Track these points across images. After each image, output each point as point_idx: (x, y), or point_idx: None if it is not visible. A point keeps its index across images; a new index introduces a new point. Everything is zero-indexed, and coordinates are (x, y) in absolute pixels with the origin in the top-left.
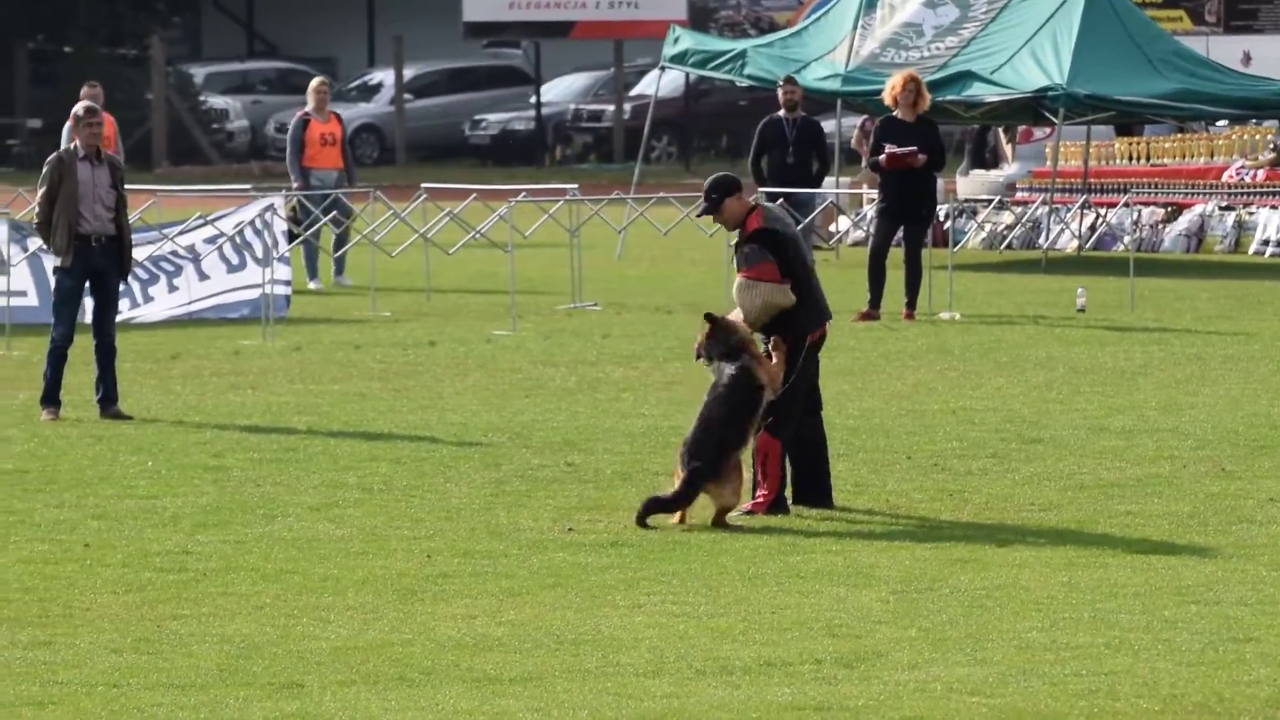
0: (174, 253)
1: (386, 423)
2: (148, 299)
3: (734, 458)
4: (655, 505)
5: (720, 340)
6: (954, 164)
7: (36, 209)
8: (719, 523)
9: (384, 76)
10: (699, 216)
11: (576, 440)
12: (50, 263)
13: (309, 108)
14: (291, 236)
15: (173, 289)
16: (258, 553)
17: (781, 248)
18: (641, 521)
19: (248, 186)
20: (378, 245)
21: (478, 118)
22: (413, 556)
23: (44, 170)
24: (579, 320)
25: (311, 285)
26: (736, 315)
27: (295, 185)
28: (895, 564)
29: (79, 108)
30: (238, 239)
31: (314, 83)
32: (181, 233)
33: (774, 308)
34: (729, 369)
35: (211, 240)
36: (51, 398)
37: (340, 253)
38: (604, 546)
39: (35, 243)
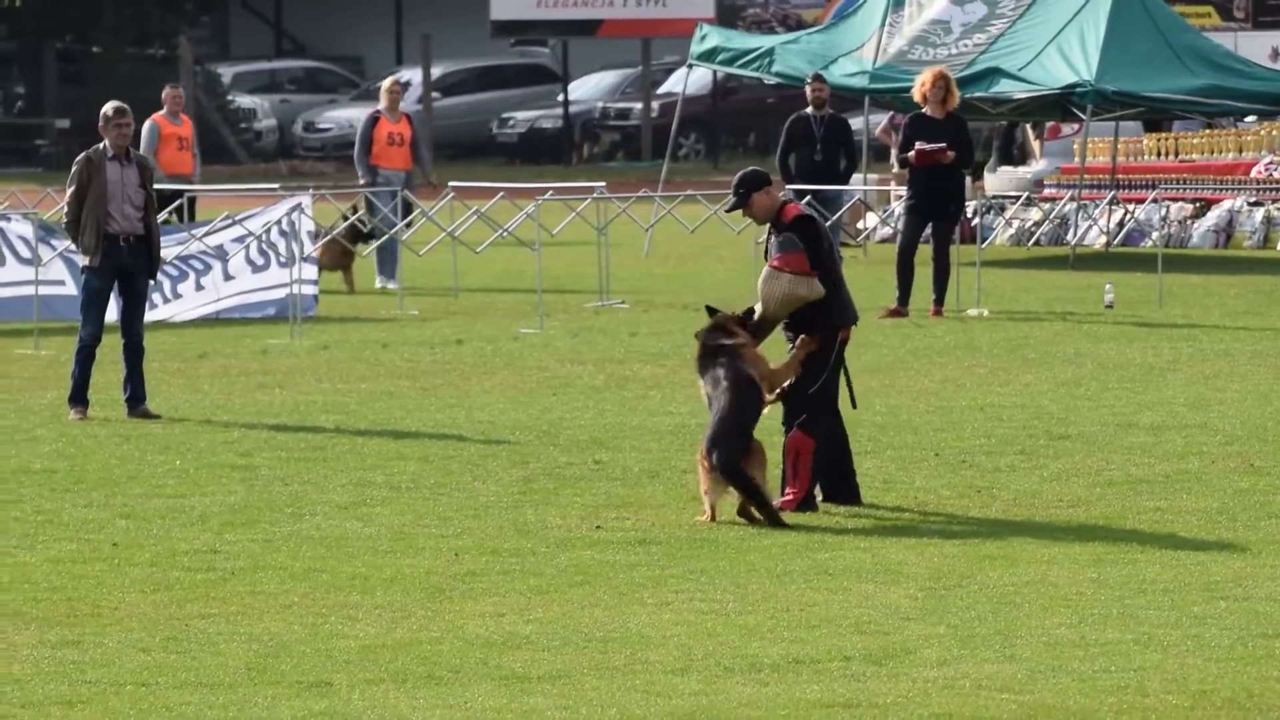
0: (202, 252)
1: (414, 421)
2: (176, 296)
3: (755, 442)
4: (752, 495)
5: (715, 336)
6: (982, 161)
7: (66, 208)
8: (746, 512)
9: (412, 75)
10: (728, 212)
11: (604, 438)
12: (77, 263)
13: (381, 106)
14: (354, 232)
15: (200, 288)
16: (286, 551)
17: (818, 237)
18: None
19: (275, 186)
20: (405, 244)
21: (505, 116)
22: (440, 555)
23: (73, 170)
24: (606, 318)
25: (390, 285)
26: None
27: (362, 182)
28: (923, 560)
29: (109, 107)
30: (264, 239)
31: (387, 82)
32: (209, 233)
33: (795, 299)
34: (721, 370)
35: (240, 240)
36: (79, 397)
37: (371, 249)
38: (632, 544)
39: (63, 243)
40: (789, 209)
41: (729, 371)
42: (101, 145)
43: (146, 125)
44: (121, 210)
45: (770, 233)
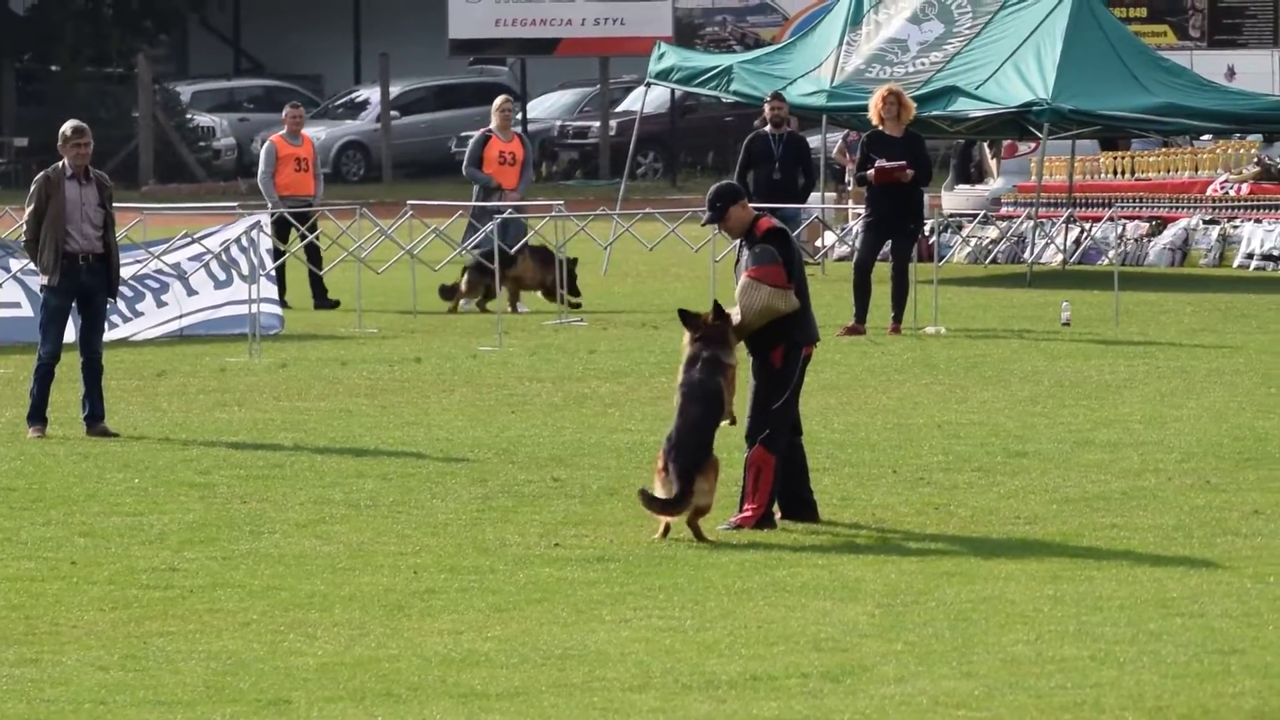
0: (159, 271)
1: (373, 439)
2: (137, 314)
3: (713, 457)
4: (655, 504)
5: (711, 347)
6: (940, 179)
7: (25, 227)
8: (694, 524)
9: (370, 94)
10: (703, 225)
11: (563, 455)
12: (35, 281)
13: (492, 125)
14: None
15: (161, 304)
16: (244, 569)
17: (791, 250)
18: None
19: (234, 204)
20: (364, 262)
21: (464, 134)
22: (399, 572)
23: (32, 188)
24: (565, 336)
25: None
26: (735, 314)
27: (478, 197)
28: (881, 577)
29: (67, 127)
30: (224, 256)
31: (498, 101)
32: (166, 251)
33: (773, 312)
34: (702, 372)
35: (197, 259)
36: (38, 415)
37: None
38: (590, 561)
39: (19, 261)
40: (762, 222)
41: (708, 381)
42: (60, 164)
43: (265, 146)
44: (80, 229)
45: (741, 246)
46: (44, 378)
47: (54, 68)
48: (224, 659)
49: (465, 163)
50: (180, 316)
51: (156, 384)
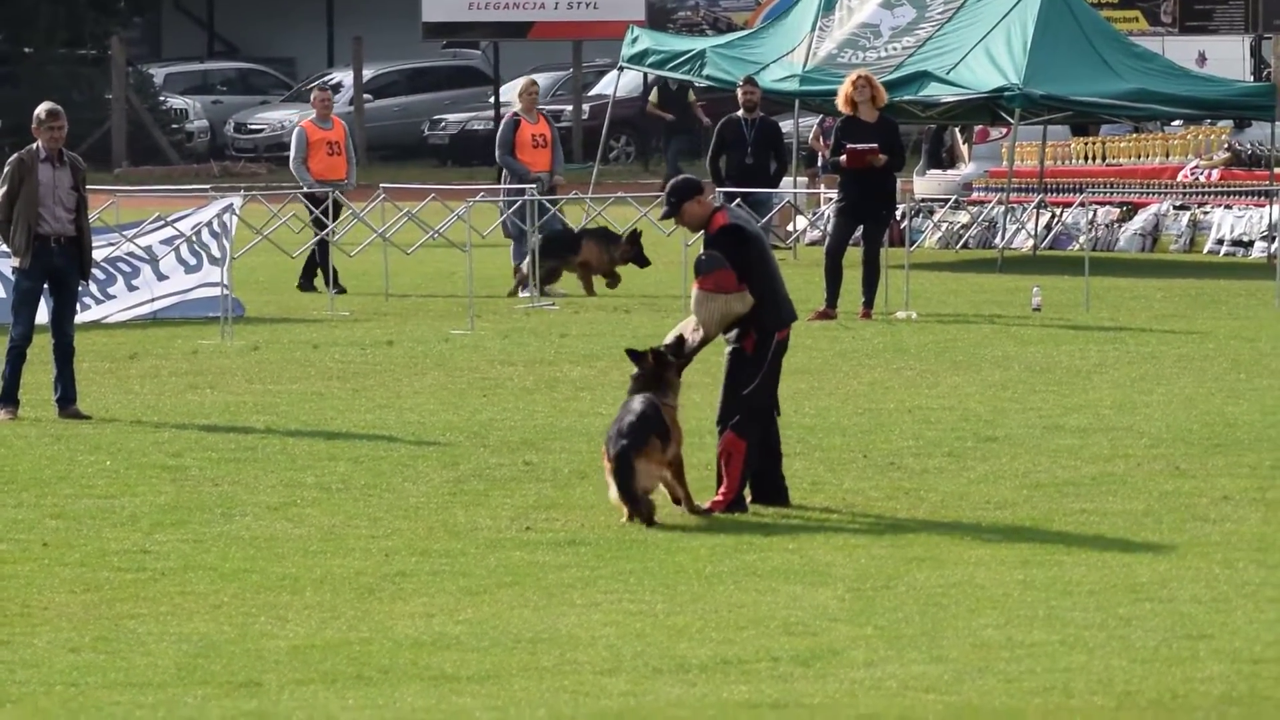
0: (130, 254)
1: (344, 422)
2: (108, 298)
3: (656, 444)
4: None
5: (651, 374)
6: (911, 164)
7: None
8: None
9: (343, 77)
10: (661, 220)
11: (534, 439)
12: (7, 263)
13: (518, 109)
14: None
15: (132, 289)
16: (215, 552)
17: (745, 246)
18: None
19: (207, 187)
20: (336, 245)
21: (437, 118)
22: (371, 555)
23: (5, 170)
24: (537, 320)
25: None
26: (689, 323)
27: (510, 183)
28: (851, 562)
29: (41, 109)
30: (194, 240)
31: (523, 83)
32: (139, 234)
33: (732, 316)
34: (640, 401)
35: (168, 241)
36: (10, 397)
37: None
38: (561, 545)
39: None
40: (715, 218)
41: (648, 402)
42: (34, 146)
43: (295, 132)
44: (53, 212)
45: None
46: (15, 360)
47: (27, 49)
48: (195, 641)
49: (498, 150)
50: (152, 300)
51: (128, 366)
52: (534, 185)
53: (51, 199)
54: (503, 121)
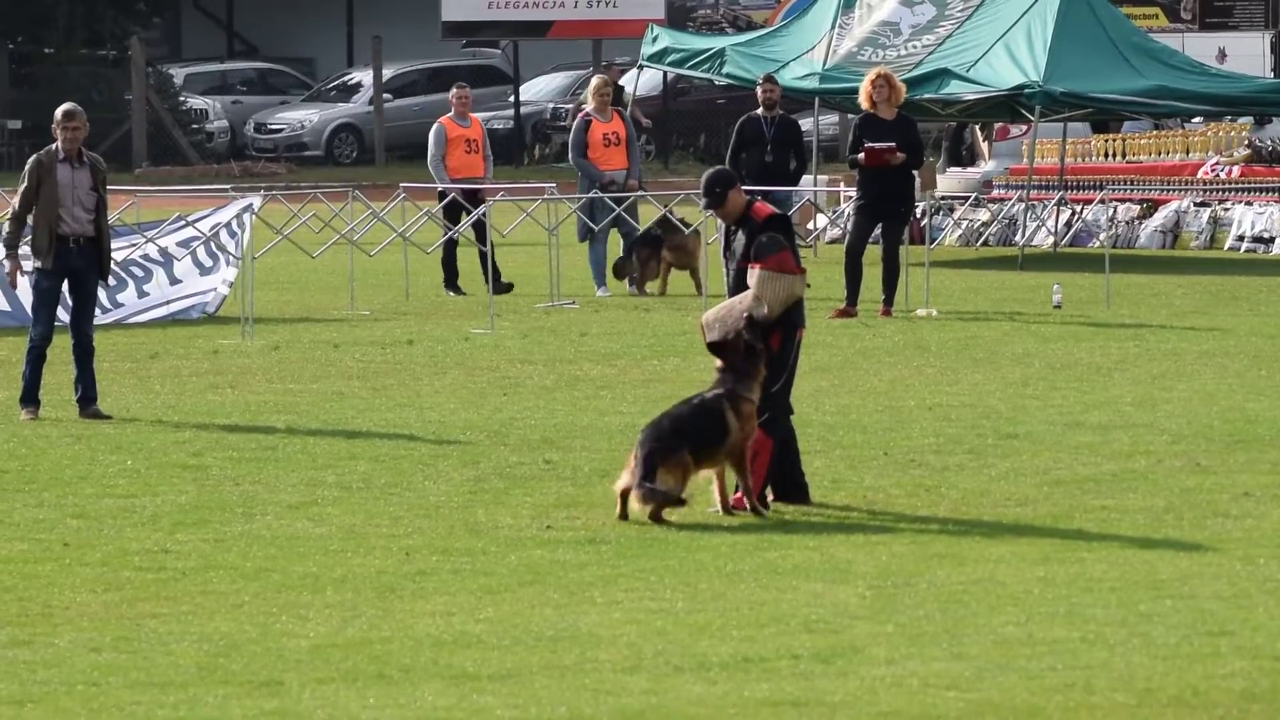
0: (146, 256)
1: (365, 421)
2: (116, 306)
3: (685, 456)
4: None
5: (743, 356)
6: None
7: (14, 208)
8: (656, 517)
9: (363, 76)
10: (703, 210)
11: (554, 438)
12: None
13: (589, 108)
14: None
15: (142, 294)
16: (236, 551)
17: (792, 235)
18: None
19: (227, 187)
20: (356, 244)
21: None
22: (391, 554)
23: (24, 170)
24: (557, 318)
25: (600, 294)
26: (730, 305)
27: (580, 189)
28: (872, 559)
29: (60, 110)
30: (213, 240)
31: (594, 83)
32: (158, 235)
33: (793, 298)
34: (702, 399)
35: (185, 244)
36: (31, 397)
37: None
38: (582, 543)
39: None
40: (759, 208)
41: (712, 397)
42: (53, 146)
43: (434, 129)
44: (72, 212)
45: (730, 231)
46: (36, 360)
47: (47, 50)
48: (216, 640)
49: (571, 152)
50: (167, 303)
51: (149, 366)
52: (609, 185)
53: (71, 199)
54: (575, 123)
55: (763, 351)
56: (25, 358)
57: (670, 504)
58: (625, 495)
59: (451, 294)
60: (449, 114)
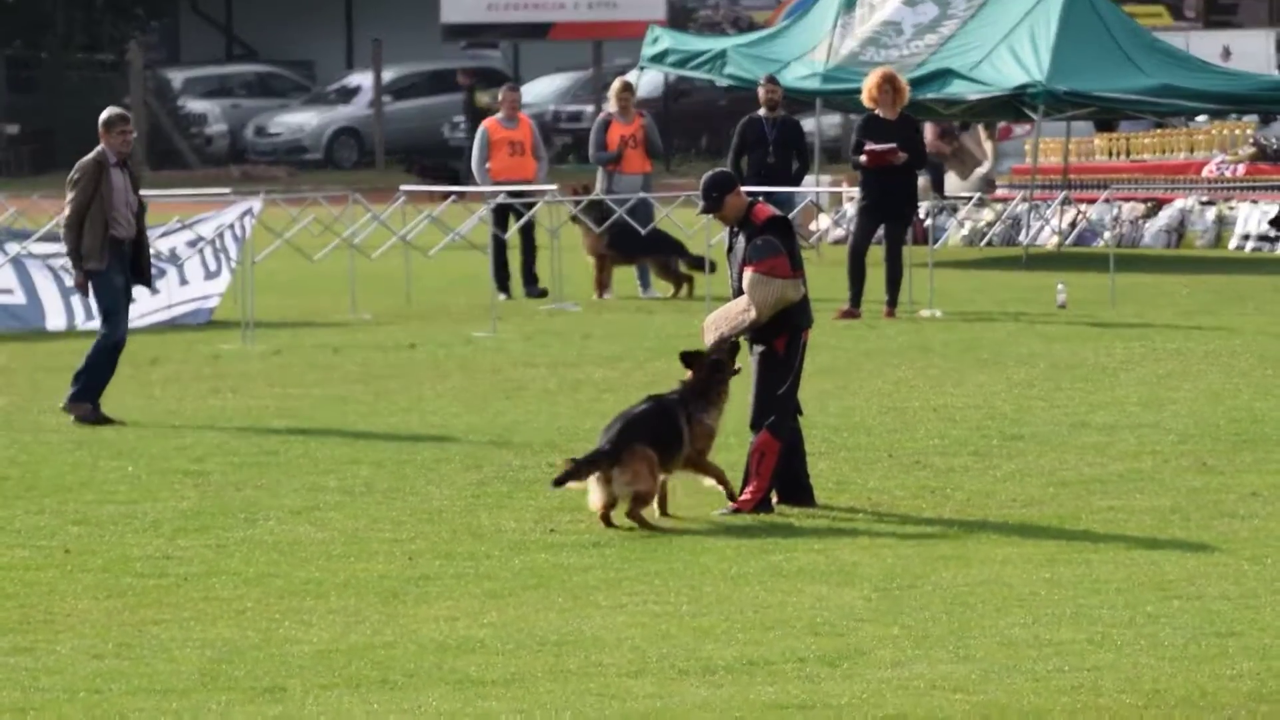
0: (157, 256)
1: (367, 425)
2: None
3: (640, 453)
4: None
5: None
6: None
7: (67, 213)
8: (633, 515)
9: (363, 79)
10: (700, 214)
11: (558, 441)
12: (30, 265)
13: (611, 109)
14: (595, 222)
15: (154, 292)
16: (239, 557)
17: (792, 237)
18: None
19: (227, 190)
20: (357, 248)
21: (456, 119)
22: (394, 559)
23: (76, 175)
24: (559, 321)
25: (642, 295)
26: (730, 308)
27: (598, 188)
28: (877, 561)
29: (111, 113)
30: (216, 243)
31: (616, 85)
32: (163, 235)
33: (785, 302)
34: (671, 400)
35: (193, 244)
36: (96, 396)
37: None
38: (586, 547)
39: (14, 247)
40: (759, 210)
41: (670, 410)
42: (102, 149)
43: (479, 131)
44: (125, 216)
45: (733, 233)
46: (114, 361)
47: (44, 54)
48: (219, 646)
49: (591, 150)
50: (171, 306)
51: (150, 371)
52: (618, 193)
53: (123, 203)
54: (595, 122)
55: (729, 370)
56: (99, 357)
57: (643, 500)
58: (604, 512)
59: (503, 297)
60: (497, 115)
